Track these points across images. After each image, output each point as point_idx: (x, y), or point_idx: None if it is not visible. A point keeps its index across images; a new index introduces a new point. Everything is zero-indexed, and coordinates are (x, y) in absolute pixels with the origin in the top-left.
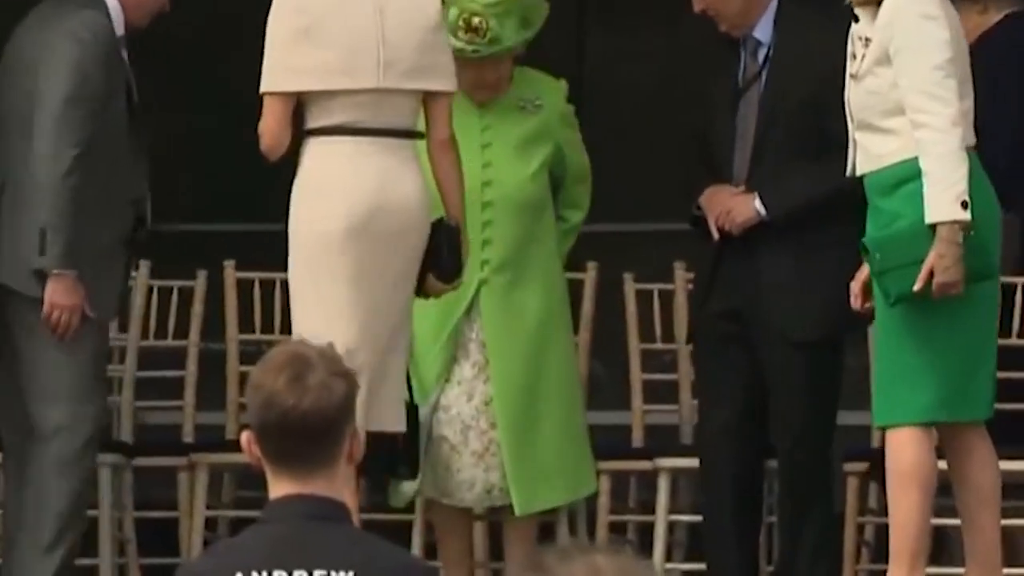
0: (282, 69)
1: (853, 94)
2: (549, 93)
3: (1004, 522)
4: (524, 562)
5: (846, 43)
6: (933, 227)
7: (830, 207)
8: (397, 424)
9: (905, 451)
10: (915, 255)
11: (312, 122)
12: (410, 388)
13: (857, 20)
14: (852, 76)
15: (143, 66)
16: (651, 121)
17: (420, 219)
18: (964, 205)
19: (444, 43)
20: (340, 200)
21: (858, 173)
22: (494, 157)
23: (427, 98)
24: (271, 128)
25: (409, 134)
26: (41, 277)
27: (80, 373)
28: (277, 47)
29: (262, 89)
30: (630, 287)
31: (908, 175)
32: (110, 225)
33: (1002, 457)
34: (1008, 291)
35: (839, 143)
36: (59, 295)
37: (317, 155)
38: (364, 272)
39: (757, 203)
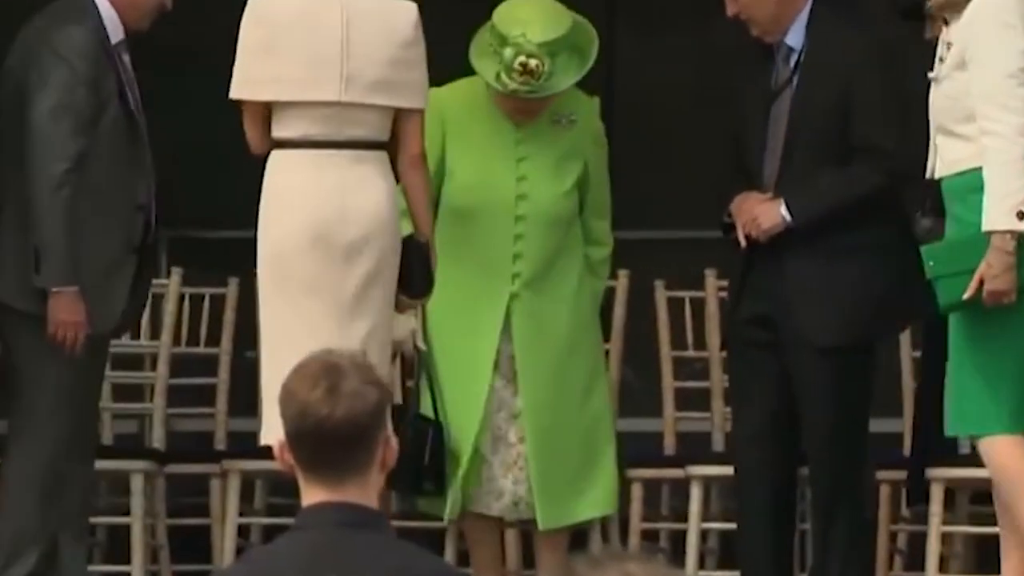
0: (244, 78)
1: (934, 97)
2: (583, 109)
3: None
4: (556, 571)
5: (877, 50)
6: (989, 235)
7: (858, 212)
8: None
9: (1011, 461)
10: (967, 264)
11: (276, 132)
12: (435, 406)
13: (947, 23)
14: (933, 79)
15: (171, 71)
16: (682, 125)
17: (384, 229)
18: (1020, 215)
19: (417, 59)
20: (299, 212)
21: (936, 176)
22: (529, 171)
23: (397, 114)
24: (248, 134)
25: (375, 145)
26: (43, 295)
27: (56, 387)
28: (242, 55)
29: (230, 95)
30: (661, 295)
31: (980, 183)
32: (112, 235)
33: None
34: None
35: (865, 149)
36: (62, 312)
37: (279, 167)
38: (322, 283)
39: (783, 209)
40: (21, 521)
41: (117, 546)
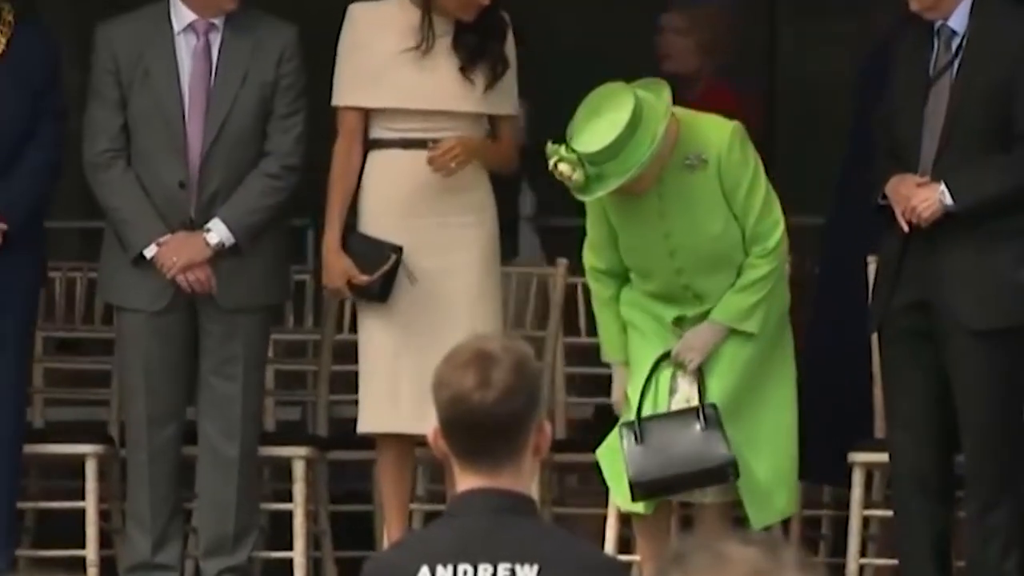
0: None
1: None
2: (712, 143)
3: None
4: (702, 541)
5: None
6: None
7: (1018, 198)
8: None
9: None
10: None
11: None
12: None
13: None
14: None
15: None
16: (844, 111)
17: None
18: None
19: None
20: None
21: None
22: (673, 226)
23: None
24: None
25: None
26: None
27: None
28: None
29: None
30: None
31: None
32: None
33: None
34: None
35: None
36: None
37: None
38: None
39: (943, 193)
40: None
41: (280, 532)
